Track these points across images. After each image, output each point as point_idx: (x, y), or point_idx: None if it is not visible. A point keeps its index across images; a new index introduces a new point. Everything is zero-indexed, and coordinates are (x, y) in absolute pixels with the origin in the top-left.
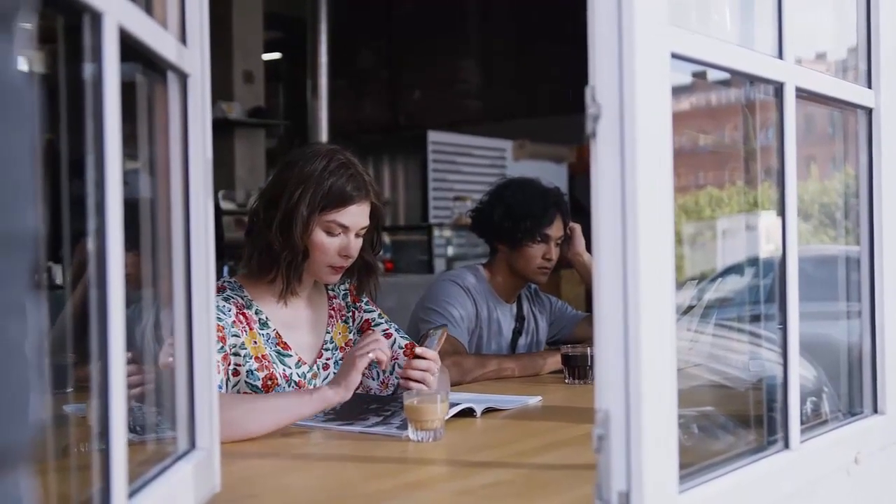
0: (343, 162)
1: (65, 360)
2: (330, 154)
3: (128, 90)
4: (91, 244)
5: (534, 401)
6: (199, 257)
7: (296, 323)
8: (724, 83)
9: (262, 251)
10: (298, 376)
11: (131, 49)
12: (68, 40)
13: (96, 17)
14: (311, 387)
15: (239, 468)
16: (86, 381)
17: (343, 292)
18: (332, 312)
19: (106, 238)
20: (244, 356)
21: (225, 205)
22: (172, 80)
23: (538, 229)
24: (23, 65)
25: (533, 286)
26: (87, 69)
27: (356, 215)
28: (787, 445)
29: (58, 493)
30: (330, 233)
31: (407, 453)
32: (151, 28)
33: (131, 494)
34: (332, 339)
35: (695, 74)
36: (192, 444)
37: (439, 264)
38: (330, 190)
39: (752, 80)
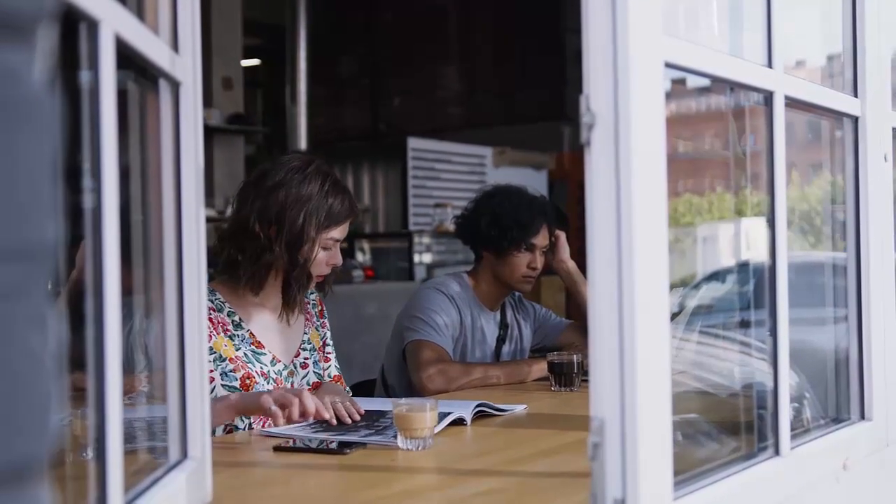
0: (334, 179)
1: None
2: (318, 172)
3: (119, 98)
4: (87, 252)
5: (520, 409)
6: (192, 266)
7: (272, 325)
8: (704, 90)
9: (264, 268)
10: (276, 374)
11: (124, 56)
12: (62, 47)
13: (93, 25)
14: (288, 385)
15: (230, 478)
16: (74, 391)
17: (312, 302)
18: (308, 315)
19: (102, 245)
20: (214, 360)
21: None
22: (164, 87)
23: (524, 239)
24: (43, 77)
25: (517, 293)
26: (83, 77)
27: (346, 228)
28: (777, 452)
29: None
30: (325, 248)
31: (397, 462)
32: (146, 36)
33: None
34: (309, 339)
35: (674, 81)
36: (184, 454)
37: (420, 271)
38: (331, 210)
39: (743, 88)
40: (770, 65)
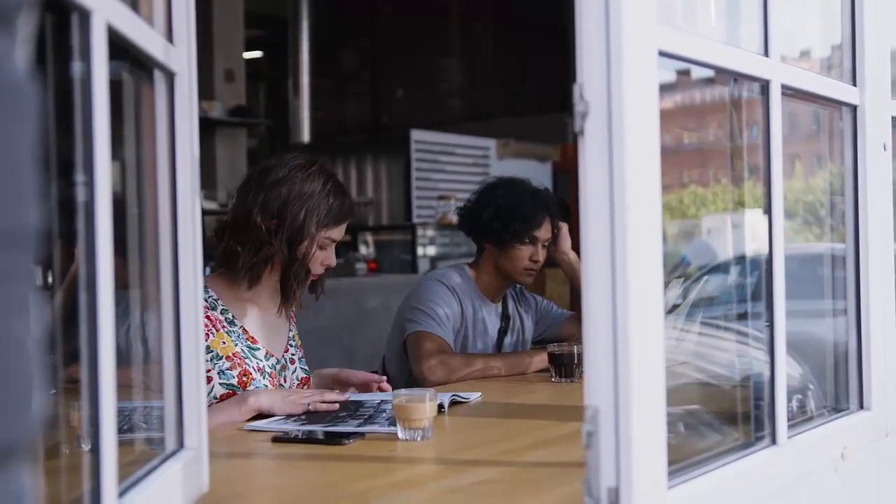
0: (336, 181)
1: (49, 361)
2: (322, 172)
3: (113, 89)
4: (80, 245)
5: (475, 396)
6: (187, 257)
7: (262, 321)
8: (709, 81)
9: (263, 262)
10: (270, 368)
11: (118, 47)
12: (55, 38)
13: (85, 16)
14: (281, 379)
15: (227, 468)
16: (71, 383)
17: None
18: (292, 314)
19: (95, 238)
20: (212, 359)
21: (206, 205)
22: (159, 78)
23: (527, 231)
24: (24, 64)
25: (518, 285)
26: (75, 67)
27: (343, 230)
28: (774, 441)
29: (47, 494)
30: (322, 247)
31: (395, 452)
32: (139, 26)
33: (121, 494)
34: (293, 336)
35: (679, 72)
36: (181, 444)
37: (423, 264)
38: (330, 209)
39: (739, 77)
40: (766, 53)
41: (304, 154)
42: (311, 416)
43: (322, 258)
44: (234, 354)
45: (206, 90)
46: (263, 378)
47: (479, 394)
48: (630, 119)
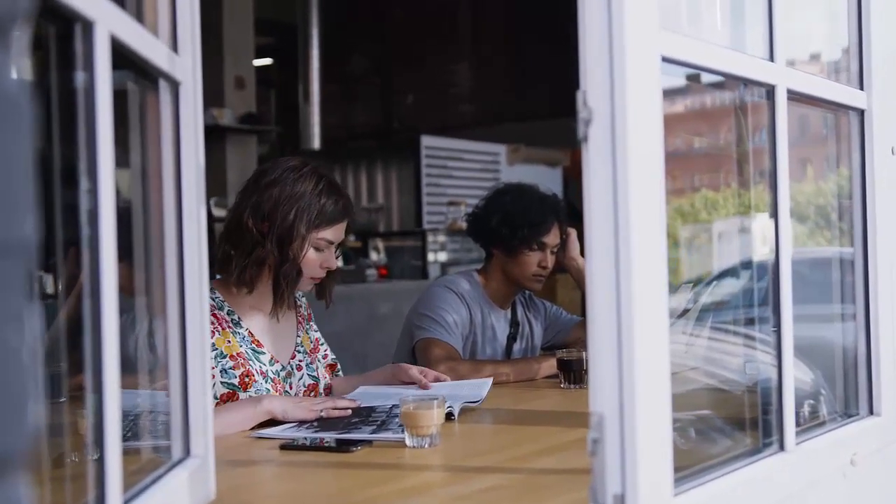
0: (330, 181)
1: (58, 370)
2: (314, 173)
3: (119, 98)
4: (84, 253)
5: (486, 386)
6: (193, 265)
7: (268, 327)
8: (718, 85)
9: (255, 263)
10: (273, 374)
11: (122, 56)
12: (59, 48)
13: (88, 26)
14: (287, 385)
15: (233, 476)
16: (80, 391)
17: (303, 305)
18: (300, 319)
19: (99, 247)
20: (215, 356)
21: (217, 212)
22: (164, 87)
23: (535, 237)
24: (19, 74)
25: (528, 291)
26: (79, 77)
27: (341, 231)
28: (782, 447)
29: (53, 502)
30: (317, 248)
31: (403, 459)
32: (143, 36)
33: (126, 502)
34: (301, 342)
35: (688, 77)
36: (187, 452)
37: (433, 270)
38: (323, 209)
39: (744, 82)
40: (772, 58)
41: (300, 157)
42: (323, 422)
43: (321, 260)
44: (238, 354)
45: (216, 97)
46: (266, 382)
47: (490, 380)
48: (634, 125)
